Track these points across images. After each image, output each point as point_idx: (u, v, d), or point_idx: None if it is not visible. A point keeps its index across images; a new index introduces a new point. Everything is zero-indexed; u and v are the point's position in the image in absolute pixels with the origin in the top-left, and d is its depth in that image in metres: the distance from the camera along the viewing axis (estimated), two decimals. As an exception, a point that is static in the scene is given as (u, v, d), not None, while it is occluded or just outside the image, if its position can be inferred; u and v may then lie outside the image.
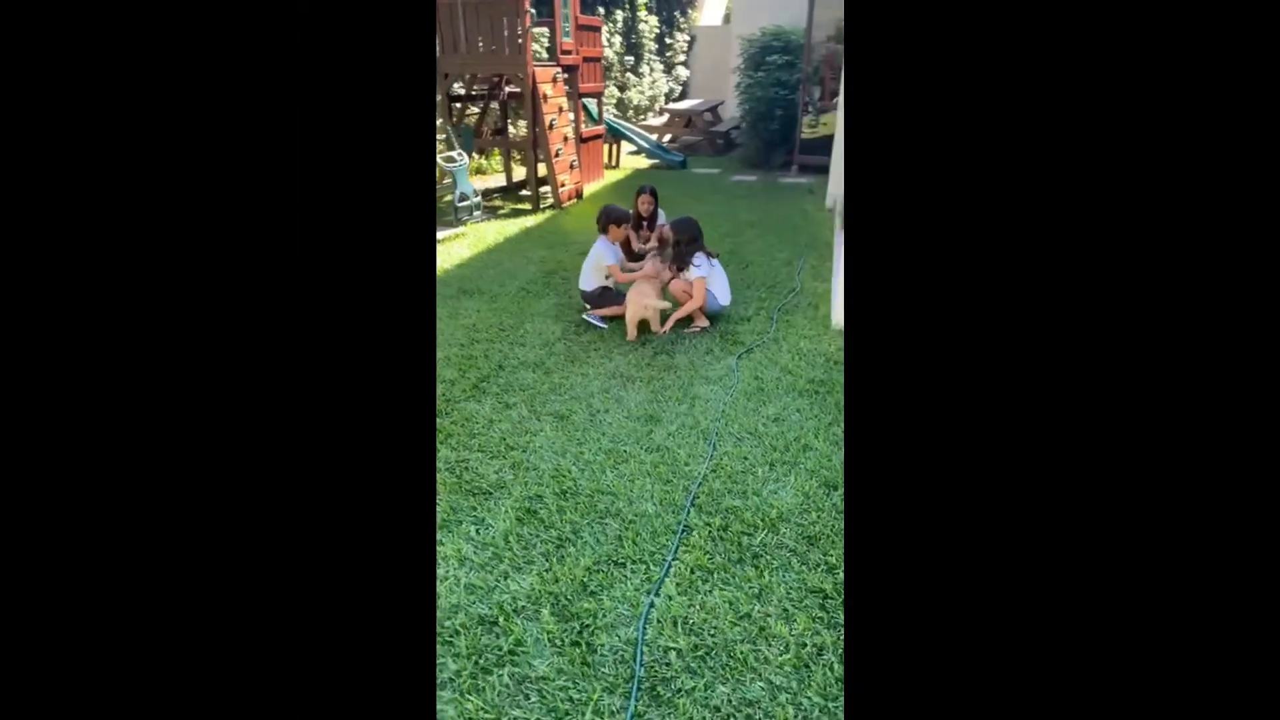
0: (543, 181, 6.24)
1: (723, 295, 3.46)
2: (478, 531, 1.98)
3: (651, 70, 11.34)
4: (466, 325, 3.50)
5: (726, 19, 14.88)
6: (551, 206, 6.20)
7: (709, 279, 3.39)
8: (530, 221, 5.72)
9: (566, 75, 6.34)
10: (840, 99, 6.21)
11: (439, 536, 1.96)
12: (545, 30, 6.69)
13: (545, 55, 6.68)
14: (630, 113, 10.82)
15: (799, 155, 8.11)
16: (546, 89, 5.84)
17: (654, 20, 11.04)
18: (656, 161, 8.73)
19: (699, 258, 3.39)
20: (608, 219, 3.74)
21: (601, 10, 9.84)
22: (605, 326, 3.49)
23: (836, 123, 5.90)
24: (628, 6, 10.39)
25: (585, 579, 1.79)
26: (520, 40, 5.57)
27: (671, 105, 10.41)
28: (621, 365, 3.05)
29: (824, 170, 8.05)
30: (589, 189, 6.94)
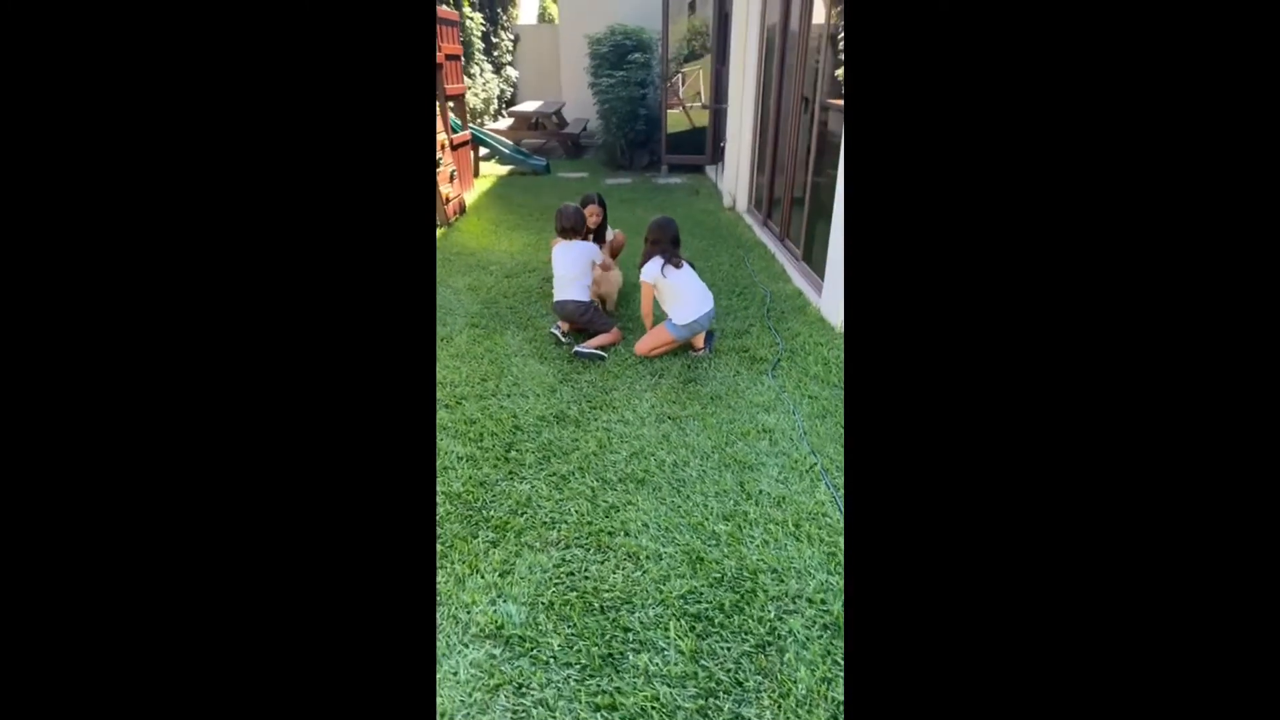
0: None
1: (682, 314, 2.98)
2: (656, 662, 1.51)
3: (482, 71, 10.61)
4: (439, 380, 2.84)
5: (541, 17, 14.50)
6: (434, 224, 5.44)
7: (671, 295, 3.02)
8: (422, 243, 4.94)
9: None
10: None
11: (614, 682, 1.46)
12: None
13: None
14: (467, 116, 10.01)
15: (667, 155, 8.04)
16: (419, 90, 5.07)
17: (479, 18, 10.32)
18: (513, 167, 8.15)
19: (653, 263, 3.01)
20: (575, 221, 3.28)
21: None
22: (606, 357, 3.03)
23: (737, 121, 5.84)
24: (451, 3, 9.57)
25: (831, 694, 1.43)
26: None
27: (516, 108, 9.81)
28: (656, 404, 2.64)
29: (694, 169, 8.09)
30: (467, 201, 6.22)
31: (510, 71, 11.67)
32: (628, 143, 8.22)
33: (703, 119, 8.06)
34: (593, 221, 3.82)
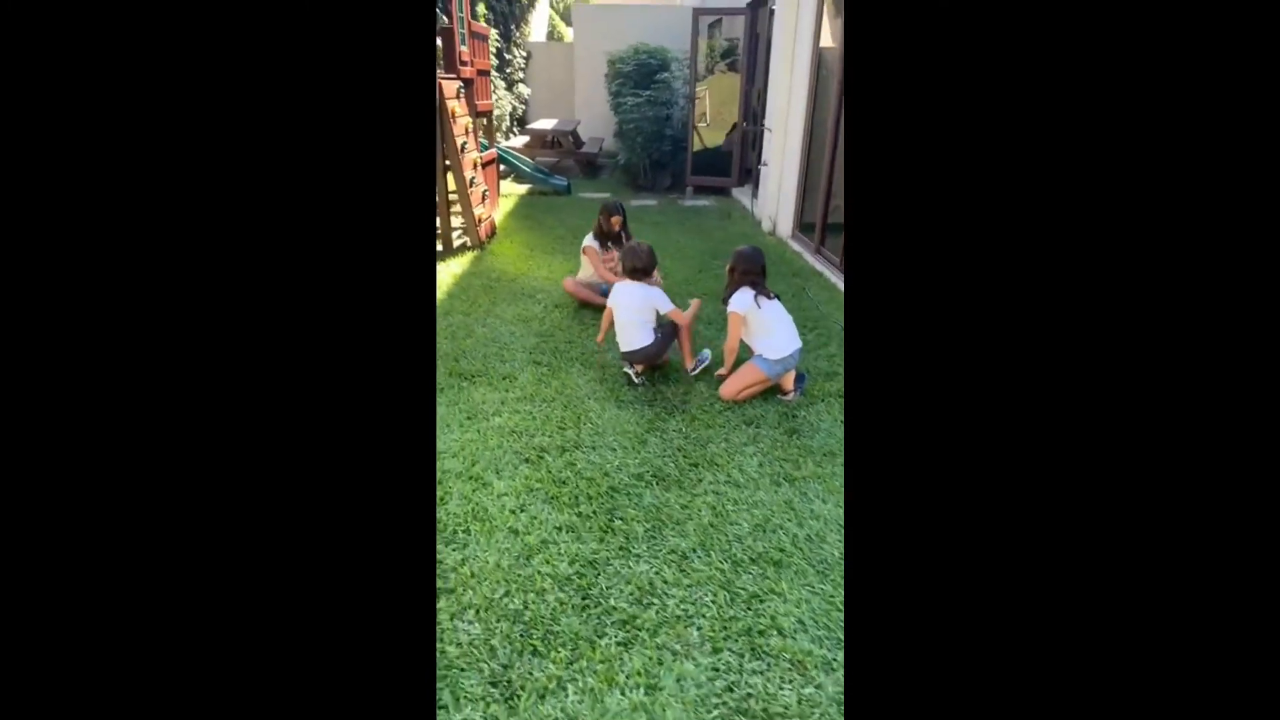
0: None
1: (775, 348, 2.74)
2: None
3: (495, 88, 10.39)
4: (509, 429, 2.52)
5: (550, 36, 14.36)
6: (464, 246, 5.13)
7: (761, 329, 2.77)
8: (456, 267, 4.64)
9: (465, 89, 5.32)
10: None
11: None
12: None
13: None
14: (494, 133, 9.77)
15: (691, 176, 7.82)
16: (454, 106, 4.81)
17: (494, 34, 10.11)
18: (531, 186, 7.88)
19: (744, 293, 2.76)
20: (648, 263, 3.00)
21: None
22: (708, 358, 2.73)
23: (780, 143, 5.62)
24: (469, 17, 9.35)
25: None
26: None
27: (531, 126, 9.57)
28: (763, 462, 2.35)
29: (718, 191, 7.87)
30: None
31: (522, 89, 11.47)
32: (651, 163, 7.98)
33: (713, 139, 7.86)
34: (615, 228, 3.80)
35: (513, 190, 7.84)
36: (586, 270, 4.00)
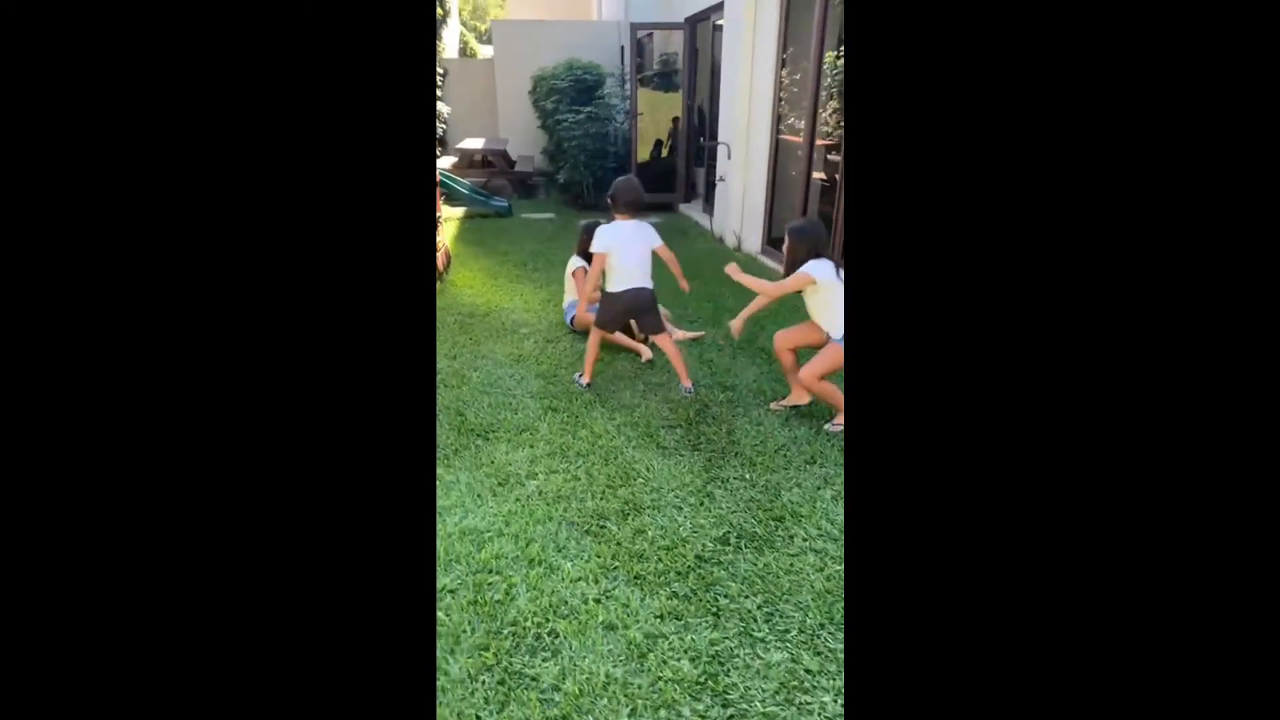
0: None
1: (836, 328, 2.52)
2: None
3: (413, 106, 9.82)
4: (552, 494, 2.20)
5: (463, 53, 13.88)
6: (420, 278, 4.69)
7: (828, 306, 2.50)
8: (418, 303, 4.20)
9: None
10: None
11: None
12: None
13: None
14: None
15: (637, 194, 7.63)
16: (403, 127, 4.38)
17: (409, 50, 9.57)
18: (466, 209, 7.43)
19: (822, 262, 2.47)
20: (638, 196, 2.89)
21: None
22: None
23: (740, 157, 5.51)
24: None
25: None
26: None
27: (461, 145, 9.08)
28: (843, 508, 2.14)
29: (664, 208, 7.73)
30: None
31: (441, 107, 10.94)
32: (595, 181, 7.74)
33: (642, 156, 7.74)
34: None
35: (448, 214, 7.36)
36: (570, 294, 3.74)
